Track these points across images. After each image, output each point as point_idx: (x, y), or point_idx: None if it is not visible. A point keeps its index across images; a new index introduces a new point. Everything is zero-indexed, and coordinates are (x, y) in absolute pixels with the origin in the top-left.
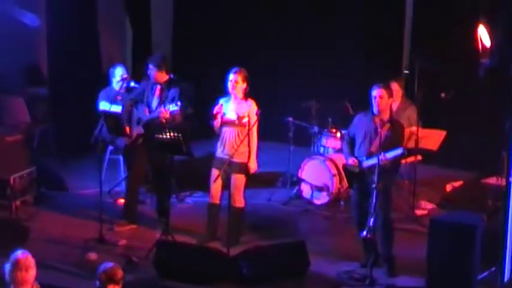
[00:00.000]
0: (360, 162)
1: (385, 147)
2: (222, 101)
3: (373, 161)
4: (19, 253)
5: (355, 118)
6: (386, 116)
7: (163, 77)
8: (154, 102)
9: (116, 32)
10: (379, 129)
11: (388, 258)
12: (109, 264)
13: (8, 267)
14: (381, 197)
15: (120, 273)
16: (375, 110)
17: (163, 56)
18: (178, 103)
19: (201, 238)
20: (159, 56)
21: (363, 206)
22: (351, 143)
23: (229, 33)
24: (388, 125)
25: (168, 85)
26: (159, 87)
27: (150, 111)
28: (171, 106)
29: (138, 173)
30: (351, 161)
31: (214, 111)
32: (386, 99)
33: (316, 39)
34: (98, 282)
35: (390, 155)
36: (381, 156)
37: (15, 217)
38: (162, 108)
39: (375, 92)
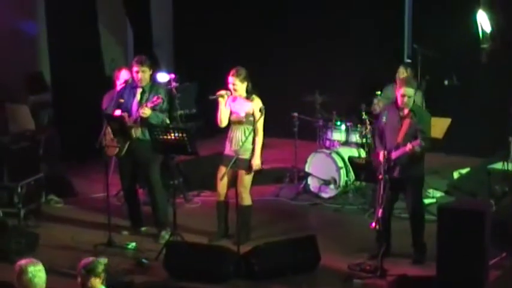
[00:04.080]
0: (389, 154)
1: (411, 136)
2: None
3: (399, 151)
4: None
5: (382, 110)
6: (409, 106)
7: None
8: (134, 106)
9: (117, 33)
10: (402, 119)
11: (421, 246)
12: (89, 259)
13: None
14: (410, 187)
15: (100, 266)
16: (400, 105)
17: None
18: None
19: (211, 237)
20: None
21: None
22: (380, 135)
23: (230, 29)
24: (410, 114)
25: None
26: (139, 90)
27: (129, 116)
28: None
29: (126, 183)
30: (381, 153)
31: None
32: (412, 96)
33: (316, 33)
34: (79, 279)
35: (414, 144)
36: (406, 147)
37: (24, 224)
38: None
39: (403, 91)
